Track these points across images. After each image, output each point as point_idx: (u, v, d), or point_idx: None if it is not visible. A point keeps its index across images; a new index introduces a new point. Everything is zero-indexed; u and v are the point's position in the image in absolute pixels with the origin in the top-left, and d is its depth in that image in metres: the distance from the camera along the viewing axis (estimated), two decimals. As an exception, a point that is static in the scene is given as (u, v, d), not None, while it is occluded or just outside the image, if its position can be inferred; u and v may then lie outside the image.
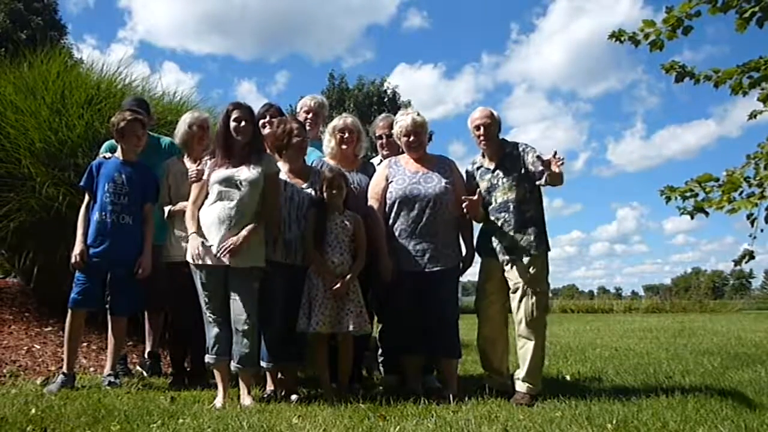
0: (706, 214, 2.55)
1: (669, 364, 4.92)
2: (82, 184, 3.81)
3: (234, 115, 3.34)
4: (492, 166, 3.64)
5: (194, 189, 3.40)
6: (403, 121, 3.66)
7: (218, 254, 3.20)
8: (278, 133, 3.56)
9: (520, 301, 3.47)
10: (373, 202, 3.65)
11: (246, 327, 3.22)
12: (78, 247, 3.68)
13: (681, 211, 2.59)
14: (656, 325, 10.99)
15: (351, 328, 3.36)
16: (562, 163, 3.28)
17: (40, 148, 5.01)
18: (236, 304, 3.26)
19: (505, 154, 3.62)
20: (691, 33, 2.81)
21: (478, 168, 3.72)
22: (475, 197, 3.49)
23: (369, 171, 3.90)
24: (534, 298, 3.44)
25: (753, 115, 2.94)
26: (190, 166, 3.71)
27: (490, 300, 3.65)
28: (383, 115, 4.30)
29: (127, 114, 3.81)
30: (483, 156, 3.72)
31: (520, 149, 3.60)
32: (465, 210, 3.51)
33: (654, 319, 13.75)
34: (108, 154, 3.88)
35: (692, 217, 2.59)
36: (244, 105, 3.43)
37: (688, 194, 2.58)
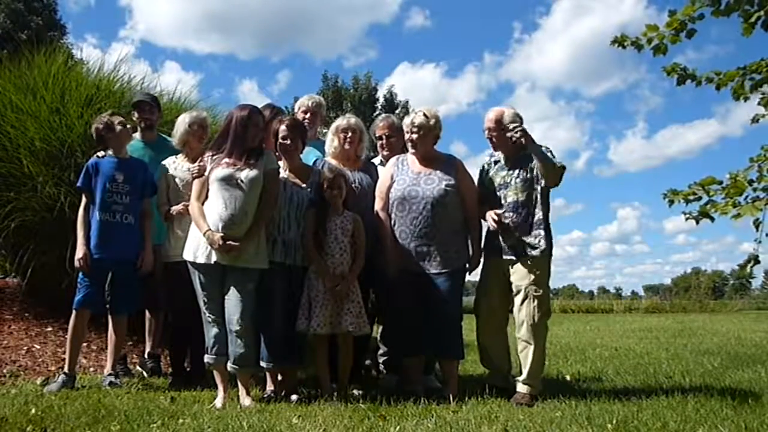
0: (712, 219, 2.53)
1: (669, 364, 4.92)
2: (79, 184, 3.80)
3: (254, 120, 3.32)
4: (508, 165, 3.62)
5: (196, 185, 3.38)
6: (407, 118, 3.68)
7: (218, 248, 3.18)
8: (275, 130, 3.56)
9: (522, 304, 3.46)
10: (378, 201, 3.66)
11: (239, 327, 3.22)
12: (81, 251, 3.67)
13: (686, 217, 2.57)
14: (656, 325, 11.00)
15: (350, 328, 3.36)
16: (515, 131, 3.36)
17: (40, 148, 5.01)
18: (230, 304, 3.26)
19: (524, 155, 3.56)
20: (695, 36, 2.80)
21: (495, 162, 3.70)
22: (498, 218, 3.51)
23: (371, 170, 3.91)
24: (536, 302, 3.42)
25: (755, 120, 2.94)
26: (189, 165, 3.71)
27: (491, 299, 3.63)
28: (384, 115, 4.30)
29: (107, 113, 3.89)
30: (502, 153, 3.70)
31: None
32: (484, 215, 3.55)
33: (654, 319, 13.76)
34: (101, 153, 3.88)
35: (697, 223, 2.57)
36: (260, 111, 3.42)
37: (691, 198, 2.57)
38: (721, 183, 2.53)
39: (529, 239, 3.48)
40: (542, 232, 3.47)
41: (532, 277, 3.44)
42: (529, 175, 3.53)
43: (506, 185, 3.58)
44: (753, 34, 2.70)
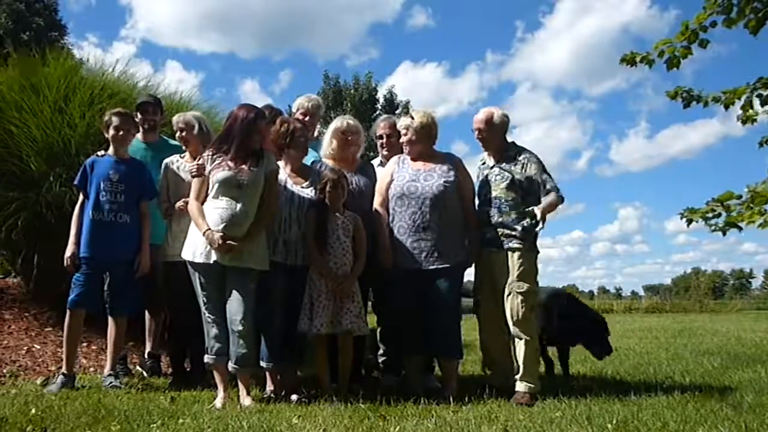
0: (740, 229, 2.50)
1: (669, 364, 4.92)
2: (76, 183, 3.83)
3: (259, 124, 3.33)
4: (491, 163, 3.71)
5: (195, 185, 3.37)
6: (401, 121, 3.78)
7: (217, 247, 3.17)
8: (281, 131, 3.56)
9: (507, 300, 3.49)
10: (377, 197, 3.69)
11: (241, 328, 3.22)
12: (70, 249, 3.70)
13: (712, 229, 2.53)
14: (656, 325, 11.00)
15: (350, 327, 3.36)
16: (539, 219, 3.41)
17: (43, 147, 5.02)
18: (232, 304, 3.26)
19: (507, 156, 3.67)
20: (708, 46, 2.78)
21: (483, 163, 3.81)
22: None
23: (368, 171, 3.91)
24: (519, 298, 3.45)
25: (764, 143, 2.92)
26: (189, 165, 3.72)
27: (485, 296, 3.67)
28: (385, 116, 4.32)
29: (118, 110, 3.88)
30: (488, 153, 3.79)
31: (523, 158, 3.62)
32: None
33: (654, 319, 13.77)
34: (101, 152, 3.89)
35: (724, 234, 2.52)
36: (264, 115, 3.43)
37: (709, 215, 2.53)
38: (740, 197, 2.50)
39: (506, 233, 3.52)
40: (519, 228, 3.51)
41: (516, 272, 3.48)
42: (510, 176, 3.58)
43: (488, 183, 3.67)
44: (759, 33, 2.68)
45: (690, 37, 2.78)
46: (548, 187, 3.50)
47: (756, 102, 2.78)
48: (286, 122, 3.60)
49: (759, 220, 2.41)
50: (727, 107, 2.83)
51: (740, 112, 2.83)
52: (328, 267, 3.38)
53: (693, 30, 2.76)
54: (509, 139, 3.77)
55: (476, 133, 3.70)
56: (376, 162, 4.14)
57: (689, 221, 2.56)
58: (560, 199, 3.49)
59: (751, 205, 2.41)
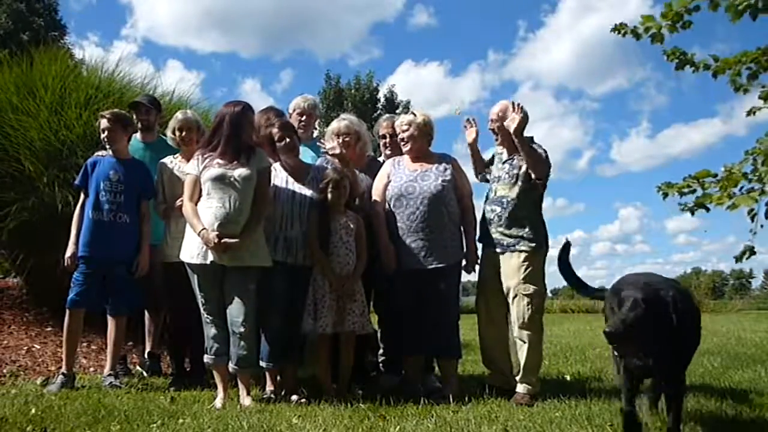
0: (707, 209, 2.54)
1: (669, 364, 4.91)
2: (77, 183, 3.84)
3: (248, 117, 3.33)
4: (504, 158, 3.67)
5: (188, 186, 3.34)
6: (398, 120, 3.79)
7: (213, 246, 3.15)
8: (268, 135, 3.55)
9: (513, 302, 3.47)
10: (375, 199, 3.68)
11: (242, 329, 3.21)
12: (70, 249, 3.70)
13: (681, 208, 2.58)
14: (656, 325, 10.95)
15: (352, 327, 3.36)
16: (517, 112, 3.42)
17: (40, 148, 5.01)
18: (232, 306, 3.24)
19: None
20: (691, 27, 2.81)
21: (499, 153, 3.76)
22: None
23: (374, 169, 3.90)
24: (525, 300, 3.43)
25: (752, 111, 2.94)
26: (183, 166, 3.71)
27: (488, 297, 3.66)
28: (387, 115, 4.31)
29: (107, 111, 3.89)
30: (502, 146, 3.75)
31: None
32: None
33: (654, 319, 13.71)
34: (103, 153, 3.89)
35: (692, 214, 2.57)
36: (252, 108, 3.43)
37: (685, 190, 2.57)
38: (716, 176, 2.54)
39: (513, 234, 3.50)
40: (526, 227, 3.49)
41: (521, 275, 3.45)
42: (516, 172, 3.55)
43: (497, 179, 3.64)
44: (740, 21, 2.69)
45: (674, 17, 2.80)
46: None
47: (744, 74, 2.80)
48: (270, 126, 3.59)
49: (728, 202, 2.44)
50: (715, 76, 2.86)
51: (731, 75, 2.84)
52: (332, 267, 3.38)
53: (677, 12, 2.79)
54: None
55: (490, 123, 3.68)
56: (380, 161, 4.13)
57: (665, 195, 2.60)
58: (543, 156, 3.47)
59: (725, 183, 2.43)
